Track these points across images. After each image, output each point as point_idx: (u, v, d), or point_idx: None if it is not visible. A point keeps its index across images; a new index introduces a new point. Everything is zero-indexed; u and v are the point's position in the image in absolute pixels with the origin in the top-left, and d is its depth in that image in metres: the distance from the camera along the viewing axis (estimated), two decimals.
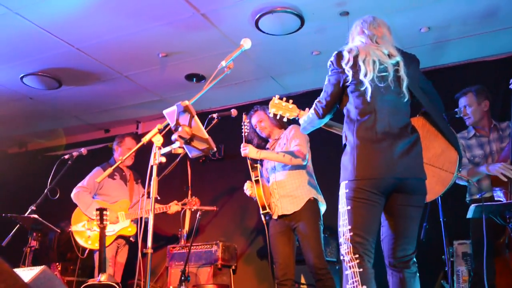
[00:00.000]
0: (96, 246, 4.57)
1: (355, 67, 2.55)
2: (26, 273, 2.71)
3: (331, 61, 2.65)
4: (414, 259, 2.58)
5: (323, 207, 3.82)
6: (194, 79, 5.31)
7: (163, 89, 5.62)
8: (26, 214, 4.13)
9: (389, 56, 2.60)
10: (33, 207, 4.25)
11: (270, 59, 4.95)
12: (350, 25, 4.14)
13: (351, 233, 2.43)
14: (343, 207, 2.49)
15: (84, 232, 4.66)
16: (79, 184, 4.73)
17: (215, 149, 2.58)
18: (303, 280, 4.57)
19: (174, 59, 4.90)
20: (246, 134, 3.89)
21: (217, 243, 4.95)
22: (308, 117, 2.80)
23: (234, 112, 4.09)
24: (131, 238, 4.72)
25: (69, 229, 4.68)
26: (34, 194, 4.47)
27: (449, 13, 4.21)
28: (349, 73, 2.55)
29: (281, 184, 3.82)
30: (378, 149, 2.47)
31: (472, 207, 2.85)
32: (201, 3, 3.97)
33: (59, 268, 5.00)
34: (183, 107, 2.46)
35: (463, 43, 4.70)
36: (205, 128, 3.76)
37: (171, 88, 5.56)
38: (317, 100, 2.70)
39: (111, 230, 4.55)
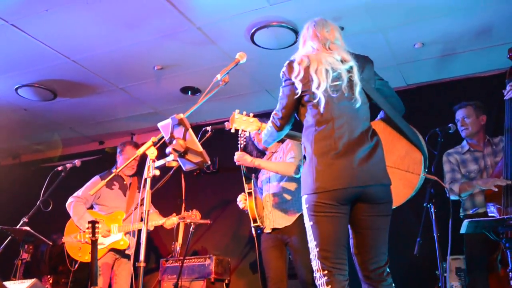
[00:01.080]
0: (86, 259, 4.51)
1: (307, 78, 2.51)
2: (17, 286, 2.68)
3: (283, 72, 2.61)
4: (388, 270, 2.51)
5: None
6: (189, 92, 5.31)
7: (158, 102, 5.61)
8: (18, 226, 4.08)
9: (342, 61, 2.55)
10: (25, 219, 4.19)
11: (265, 72, 4.95)
12: (346, 40, 4.19)
13: (318, 249, 2.39)
14: (307, 223, 2.46)
15: (75, 244, 4.61)
16: (75, 194, 4.67)
17: (209, 162, 2.56)
18: None
19: (170, 72, 4.90)
20: (242, 145, 3.86)
21: (211, 257, 4.92)
22: (267, 130, 2.77)
23: (228, 125, 4.07)
24: (126, 251, 4.64)
25: (62, 241, 4.62)
26: (27, 205, 4.43)
27: (443, 30, 4.26)
28: (299, 85, 2.51)
29: (274, 197, 3.81)
30: (337, 159, 2.42)
31: (466, 222, 2.85)
32: (197, 17, 3.99)
33: (51, 281, 4.95)
34: (177, 120, 2.45)
35: (457, 59, 4.74)
36: (200, 141, 3.75)
37: (166, 100, 5.55)
38: (274, 112, 2.66)
39: (101, 243, 4.47)
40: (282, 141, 3.92)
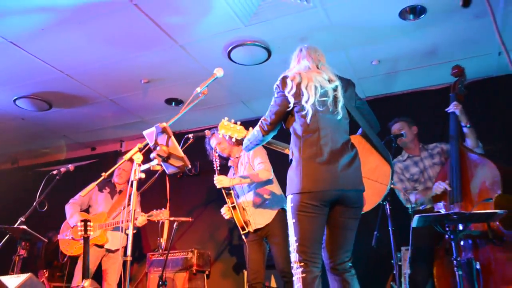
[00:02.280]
0: (72, 253, 4.53)
1: (298, 93, 2.56)
2: (13, 280, 2.63)
3: (277, 85, 2.66)
4: (351, 263, 2.58)
5: None
6: (173, 103, 5.29)
7: (144, 112, 5.57)
8: (15, 225, 4.01)
9: (329, 81, 2.63)
10: (22, 219, 4.12)
11: (241, 86, 4.97)
12: None
13: (297, 244, 2.43)
14: (290, 220, 2.49)
15: (66, 240, 4.57)
16: (73, 197, 4.70)
17: (189, 166, 2.56)
18: (273, 283, 4.55)
19: (155, 85, 4.87)
20: (218, 168, 3.85)
21: (192, 251, 4.91)
22: (252, 134, 2.79)
23: (208, 133, 4.07)
24: (114, 248, 4.60)
25: (56, 238, 4.58)
26: (24, 206, 4.35)
27: (396, 48, 4.32)
28: (291, 99, 2.57)
29: (251, 202, 3.81)
30: (322, 164, 2.46)
31: (416, 217, 2.88)
32: (180, 36, 3.99)
33: (46, 275, 4.85)
34: (161, 129, 2.45)
35: (409, 74, 4.80)
36: (182, 147, 3.75)
37: (152, 111, 5.51)
38: (263, 118, 2.70)
39: (81, 239, 4.45)
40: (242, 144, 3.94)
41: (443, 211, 3.44)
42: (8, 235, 4.02)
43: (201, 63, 4.42)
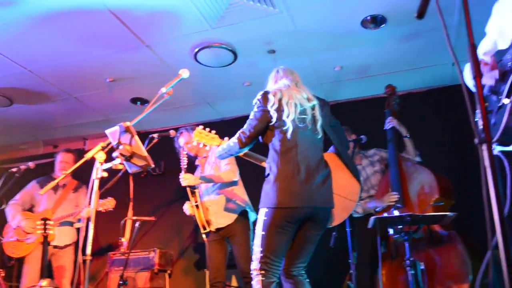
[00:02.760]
0: (18, 254, 4.33)
1: (279, 108, 2.59)
2: None
3: (258, 99, 2.67)
4: (304, 270, 2.67)
5: (253, 215, 3.80)
6: (138, 102, 5.22)
7: (109, 111, 5.46)
8: None
9: (308, 100, 2.69)
10: (3, 206, 3.98)
11: (207, 87, 4.95)
12: (276, 61, 4.29)
13: (261, 255, 2.47)
14: (259, 231, 2.51)
15: (11, 242, 4.37)
16: (13, 198, 4.49)
17: (153, 165, 2.53)
18: (234, 283, 4.55)
19: (121, 84, 4.79)
20: (184, 166, 3.81)
21: (155, 250, 4.84)
22: (228, 145, 2.77)
23: (172, 133, 4.04)
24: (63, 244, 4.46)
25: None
26: None
27: (358, 56, 4.40)
28: (274, 114, 2.59)
29: (214, 202, 3.80)
30: (298, 180, 2.50)
31: (372, 218, 2.96)
32: (146, 35, 3.94)
33: (3, 275, 4.67)
34: (124, 128, 2.41)
35: (368, 81, 4.90)
36: (146, 147, 3.70)
37: (117, 109, 5.41)
38: (241, 131, 2.68)
39: (28, 238, 4.31)
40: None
41: (386, 214, 3.56)
42: None
43: (168, 64, 4.37)
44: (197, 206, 3.77)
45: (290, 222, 2.48)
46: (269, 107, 2.60)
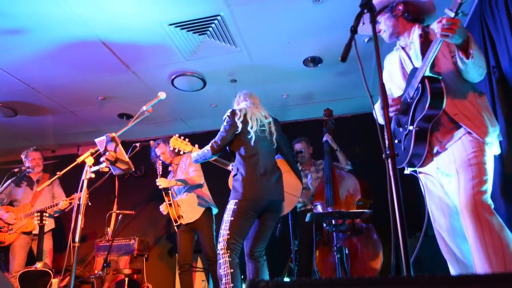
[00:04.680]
0: (3, 244, 4.10)
1: (245, 121, 2.64)
2: None
3: (227, 115, 2.70)
4: (264, 252, 2.71)
5: (215, 210, 3.82)
6: (124, 117, 5.10)
7: (100, 123, 5.31)
8: None
9: (265, 117, 2.77)
10: None
11: (181, 107, 4.91)
12: (237, 88, 4.30)
13: (228, 237, 2.48)
14: (228, 217, 2.53)
15: None
16: None
17: (133, 169, 2.50)
18: (199, 264, 4.51)
19: (110, 102, 4.68)
20: (160, 172, 3.78)
21: (134, 238, 4.73)
22: (203, 152, 2.77)
23: (152, 143, 4.00)
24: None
25: None
26: None
27: (300, 87, 4.47)
28: (240, 125, 2.64)
29: (184, 201, 3.77)
30: (260, 180, 2.57)
31: (309, 214, 3.01)
32: (133, 63, 3.88)
33: None
34: (110, 138, 2.37)
35: (308, 107, 4.98)
36: (130, 154, 3.63)
37: (107, 123, 5.27)
38: (214, 140, 2.69)
39: (10, 230, 4.10)
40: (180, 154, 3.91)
41: (321, 210, 3.62)
42: None
43: (149, 87, 4.31)
44: (170, 204, 3.73)
45: (253, 211, 2.53)
46: (236, 120, 2.65)
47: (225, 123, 2.70)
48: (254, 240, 2.66)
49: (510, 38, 2.48)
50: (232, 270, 2.41)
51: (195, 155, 2.83)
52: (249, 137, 2.63)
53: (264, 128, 2.72)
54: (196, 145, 3.01)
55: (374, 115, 1.66)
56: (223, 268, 2.42)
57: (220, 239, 2.51)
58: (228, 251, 2.46)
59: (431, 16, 2.12)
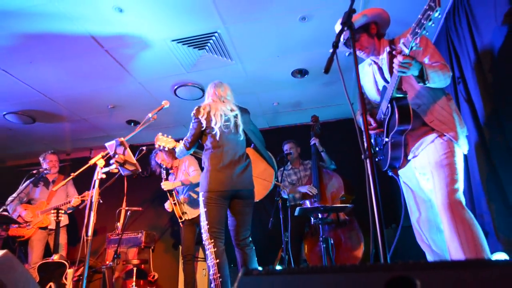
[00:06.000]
0: (22, 238, 4.05)
1: (209, 118, 2.55)
2: None
3: (193, 113, 2.61)
4: (250, 239, 2.59)
5: None
6: (132, 123, 5.07)
7: (110, 129, 5.27)
8: None
9: (231, 110, 2.64)
10: (4, 207, 3.70)
11: (183, 114, 4.87)
12: (234, 97, 4.26)
13: (208, 226, 2.41)
14: (202, 209, 2.46)
15: (14, 229, 4.06)
16: (11, 195, 4.16)
17: (140, 170, 2.48)
18: (200, 255, 4.48)
19: (119, 109, 4.64)
20: (164, 177, 3.79)
21: (142, 232, 4.69)
22: (179, 148, 2.72)
23: (158, 146, 3.97)
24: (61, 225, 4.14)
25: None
26: (6, 197, 3.92)
27: (289, 96, 4.47)
28: (204, 122, 2.55)
29: (187, 199, 3.77)
30: (223, 172, 2.47)
31: (298, 208, 3.01)
32: (139, 75, 3.86)
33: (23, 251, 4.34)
34: (119, 142, 2.35)
35: (297, 113, 4.98)
36: (137, 156, 3.59)
37: (116, 128, 5.23)
38: (185, 138, 2.65)
39: (28, 225, 4.06)
40: (178, 159, 3.88)
41: (309, 205, 3.63)
42: None
43: (154, 96, 4.29)
44: (175, 204, 3.73)
45: (219, 199, 2.43)
46: (200, 117, 2.56)
47: (192, 120, 2.61)
48: (235, 228, 2.56)
49: (472, 52, 2.51)
50: (218, 261, 2.34)
51: (177, 151, 2.78)
52: (213, 132, 2.53)
53: (229, 122, 2.59)
54: (181, 141, 2.99)
55: (355, 120, 1.67)
56: (210, 259, 2.37)
57: (203, 231, 2.44)
58: (212, 240, 2.38)
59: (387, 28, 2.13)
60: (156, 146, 2.98)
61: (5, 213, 3.62)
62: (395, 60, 1.72)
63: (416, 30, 1.53)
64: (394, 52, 1.96)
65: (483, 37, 2.38)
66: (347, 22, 1.56)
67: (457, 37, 2.74)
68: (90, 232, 2.29)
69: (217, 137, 2.51)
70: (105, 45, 3.29)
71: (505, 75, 2.19)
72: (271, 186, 2.94)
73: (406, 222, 2.20)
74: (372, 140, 2.20)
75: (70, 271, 3.47)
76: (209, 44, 3.36)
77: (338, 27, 2.03)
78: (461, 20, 2.66)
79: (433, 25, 1.49)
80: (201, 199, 2.49)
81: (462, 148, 1.91)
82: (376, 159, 2.15)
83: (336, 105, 4.75)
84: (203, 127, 2.55)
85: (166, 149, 2.98)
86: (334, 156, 4.03)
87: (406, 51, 1.65)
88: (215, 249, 2.37)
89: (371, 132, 2.09)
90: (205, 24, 3.08)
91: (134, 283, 4.23)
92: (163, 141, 2.99)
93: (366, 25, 2.05)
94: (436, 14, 1.44)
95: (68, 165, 5.92)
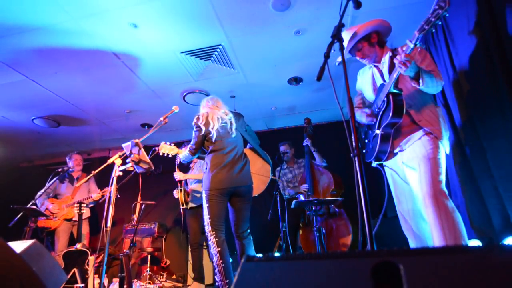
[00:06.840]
0: (50, 229, 4.04)
1: (207, 123, 2.55)
2: (20, 245, 2.32)
3: (194, 122, 2.61)
4: (249, 231, 2.59)
5: None
6: (146, 126, 5.06)
7: (126, 131, 5.27)
8: (27, 206, 3.58)
9: (226, 114, 2.64)
10: (33, 201, 3.70)
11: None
12: (236, 102, 4.29)
13: (210, 220, 2.41)
14: (205, 205, 2.46)
15: (42, 221, 4.05)
16: (40, 191, 4.14)
17: (153, 168, 2.47)
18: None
19: (134, 114, 4.64)
20: (177, 166, 3.78)
21: (155, 223, 4.70)
22: (184, 154, 2.72)
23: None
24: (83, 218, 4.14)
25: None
26: (33, 193, 3.92)
27: (286, 101, 4.44)
28: (204, 128, 2.55)
29: (193, 189, 3.77)
30: (223, 171, 2.46)
31: (294, 201, 3.00)
32: (152, 84, 3.86)
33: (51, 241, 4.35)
34: (135, 143, 2.35)
35: (292, 116, 4.96)
36: (150, 156, 3.59)
37: (132, 131, 5.23)
38: (190, 145, 2.64)
39: (55, 217, 4.06)
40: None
41: (304, 199, 3.62)
42: (21, 213, 3.58)
43: (166, 102, 4.29)
44: (181, 190, 3.74)
45: (220, 196, 2.43)
46: (200, 124, 2.56)
47: (194, 128, 2.62)
48: (236, 222, 2.57)
49: (448, 62, 2.51)
50: (220, 249, 2.35)
51: (182, 156, 2.77)
52: (211, 135, 2.53)
53: (225, 124, 2.59)
54: (183, 148, 3.00)
55: (344, 123, 1.66)
56: (213, 248, 2.37)
57: (205, 224, 2.45)
58: (214, 231, 2.39)
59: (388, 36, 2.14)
60: (160, 154, 2.98)
61: (34, 206, 3.62)
62: (397, 57, 1.73)
63: (424, 26, 1.55)
64: (396, 52, 1.97)
65: (457, 48, 2.38)
66: (336, 34, 1.56)
67: (435, 48, 2.74)
68: (109, 224, 2.29)
69: (214, 140, 2.51)
70: (122, 57, 3.29)
71: (476, 82, 2.19)
72: (268, 182, 2.95)
73: (392, 213, 2.19)
74: (362, 134, 2.20)
75: (91, 258, 3.47)
76: (214, 55, 3.36)
77: (346, 36, 2.04)
78: (438, 33, 2.66)
79: (440, 23, 1.52)
80: (203, 195, 2.49)
81: (445, 147, 1.91)
82: (363, 151, 2.15)
83: (326, 109, 4.75)
84: (203, 132, 2.55)
85: (170, 156, 2.98)
86: (325, 155, 4.03)
87: (411, 45, 1.66)
88: (217, 239, 2.38)
89: (367, 119, 2.08)
90: (211, 38, 3.09)
91: (148, 269, 4.23)
92: (167, 148, 2.99)
93: (367, 35, 2.04)
94: (445, 13, 1.45)
95: (89, 164, 5.93)
